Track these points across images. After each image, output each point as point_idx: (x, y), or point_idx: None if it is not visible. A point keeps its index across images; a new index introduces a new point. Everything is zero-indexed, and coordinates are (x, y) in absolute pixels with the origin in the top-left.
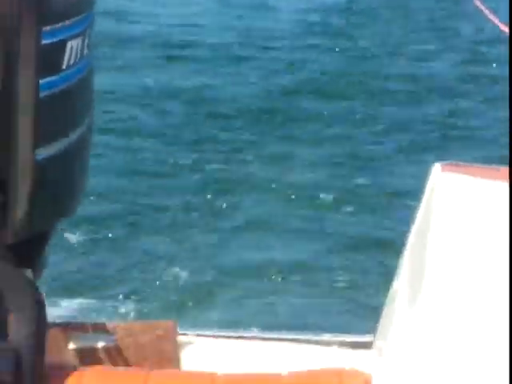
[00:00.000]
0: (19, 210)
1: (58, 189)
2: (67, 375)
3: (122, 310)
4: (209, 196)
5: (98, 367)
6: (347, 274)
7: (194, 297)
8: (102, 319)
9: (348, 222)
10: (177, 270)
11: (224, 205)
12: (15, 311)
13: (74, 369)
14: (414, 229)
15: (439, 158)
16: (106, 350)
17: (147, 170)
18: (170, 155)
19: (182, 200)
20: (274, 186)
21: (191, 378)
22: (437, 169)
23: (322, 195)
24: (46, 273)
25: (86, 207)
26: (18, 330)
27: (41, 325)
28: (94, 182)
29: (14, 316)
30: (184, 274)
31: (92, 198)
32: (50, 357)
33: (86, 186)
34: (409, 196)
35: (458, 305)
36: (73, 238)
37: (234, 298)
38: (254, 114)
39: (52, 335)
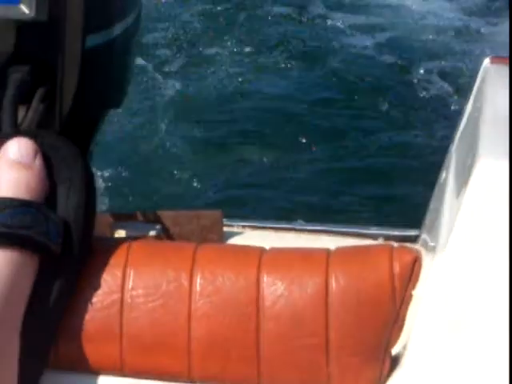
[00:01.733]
0: (66, 97)
1: (105, 79)
2: (115, 247)
3: None
4: None
5: (146, 239)
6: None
7: None
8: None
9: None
10: None
11: None
12: (64, 183)
13: (121, 242)
14: (463, 120)
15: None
16: (153, 239)
17: None
18: None
19: None
20: None
21: (240, 251)
22: (487, 62)
23: None
24: None
25: None
26: (66, 201)
27: (90, 197)
28: None
29: (63, 187)
30: None
31: None
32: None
33: (132, 79)
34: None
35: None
36: None
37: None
38: None
39: (99, 223)
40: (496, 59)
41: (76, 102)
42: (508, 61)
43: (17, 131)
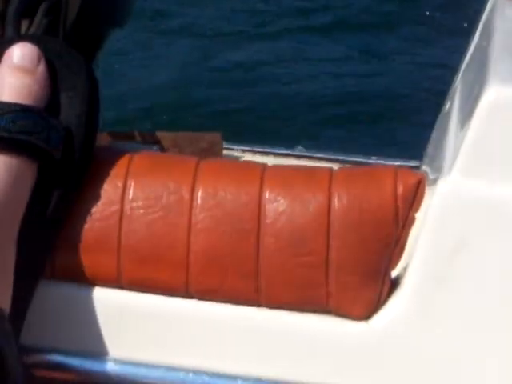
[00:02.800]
0: (70, 12)
1: None
2: (117, 157)
3: None
4: None
5: (148, 151)
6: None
7: None
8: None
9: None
10: None
11: None
12: (68, 90)
13: (123, 152)
14: (469, 50)
15: None
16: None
17: None
18: None
19: None
20: None
21: (242, 166)
22: None
23: None
24: None
25: None
26: (69, 108)
27: (94, 105)
28: None
29: (66, 94)
30: None
31: None
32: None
33: (136, 1)
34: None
35: None
36: None
37: None
38: None
39: (98, 140)
40: None
41: (80, 18)
42: None
43: (21, 37)
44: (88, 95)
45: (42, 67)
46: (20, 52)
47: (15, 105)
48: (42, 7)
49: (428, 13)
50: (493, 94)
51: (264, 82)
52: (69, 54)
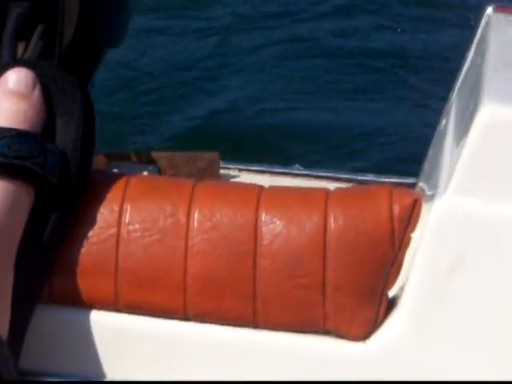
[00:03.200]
0: (66, 33)
1: (105, 16)
2: (113, 180)
3: None
4: None
5: (144, 175)
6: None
7: None
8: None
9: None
10: None
11: None
12: (63, 114)
13: (120, 176)
14: (464, 67)
15: None
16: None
17: None
18: None
19: None
20: None
21: (238, 188)
22: (489, 11)
23: None
24: None
25: None
26: (65, 132)
27: (89, 129)
28: None
29: (62, 119)
30: None
31: None
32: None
33: (131, 20)
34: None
35: None
36: None
37: None
38: None
39: (94, 162)
40: (500, 8)
41: (75, 40)
42: None
43: (17, 62)
44: (83, 119)
45: (37, 92)
46: (15, 77)
47: (11, 130)
48: (38, 30)
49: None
50: (487, 112)
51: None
52: (64, 79)
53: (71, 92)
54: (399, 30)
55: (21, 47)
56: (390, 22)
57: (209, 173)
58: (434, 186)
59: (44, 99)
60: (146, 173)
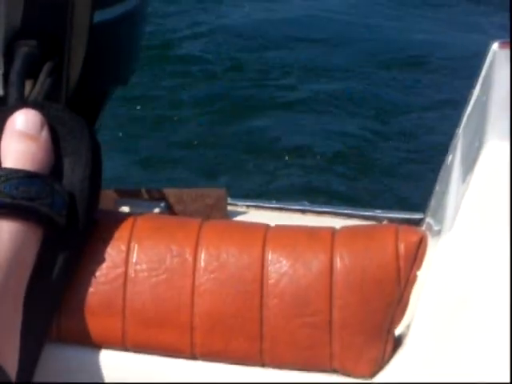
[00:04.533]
0: (73, 71)
1: (112, 54)
2: (120, 221)
3: None
4: None
5: (151, 214)
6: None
7: None
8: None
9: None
10: None
11: None
12: (70, 155)
13: (127, 215)
14: (470, 104)
15: None
16: (157, 214)
17: None
18: None
19: None
20: None
21: (245, 228)
22: (494, 47)
23: None
24: None
25: None
26: (72, 173)
27: (96, 170)
28: None
29: (69, 159)
30: None
31: None
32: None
33: (139, 57)
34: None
35: None
36: None
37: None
38: None
39: (103, 198)
40: (504, 44)
41: (83, 77)
42: None
43: (24, 103)
44: (91, 160)
45: (45, 133)
46: (24, 118)
47: (19, 171)
48: (45, 68)
49: None
50: (492, 150)
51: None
52: (71, 119)
53: (78, 132)
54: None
55: (28, 85)
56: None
57: (216, 209)
58: (441, 222)
59: (51, 140)
60: (157, 209)
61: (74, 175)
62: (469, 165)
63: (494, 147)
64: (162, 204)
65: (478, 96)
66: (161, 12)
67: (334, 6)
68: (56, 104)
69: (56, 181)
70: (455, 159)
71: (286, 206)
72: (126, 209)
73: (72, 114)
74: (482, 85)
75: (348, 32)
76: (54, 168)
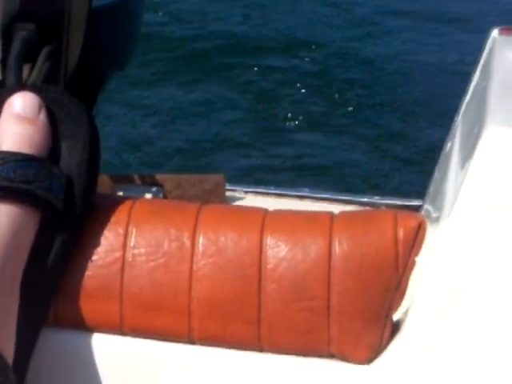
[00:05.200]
0: (72, 55)
1: (110, 40)
2: (117, 204)
3: None
4: None
5: (149, 199)
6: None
7: None
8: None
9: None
10: None
11: None
12: (68, 138)
13: (125, 199)
14: (469, 90)
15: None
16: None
17: None
18: None
19: None
20: None
21: (243, 212)
22: (494, 33)
23: None
24: None
25: None
26: (70, 156)
27: (94, 154)
28: None
29: (67, 143)
30: None
31: None
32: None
33: (138, 42)
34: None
35: None
36: None
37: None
38: None
39: (99, 184)
40: (505, 30)
41: (81, 62)
42: None
43: (22, 86)
44: (89, 143)
45: (42, 116)
46: (21, 101)
47: (17, 154)
48: (44, 52)
49: None
50: (491, 136)
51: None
52: (69, 103)
53: (77, 116)
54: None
55: (26, 70)
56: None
57: (214, 194)
58: (440, 209)
59: (49, 123)
60: (150, 195)
61: (71, 158)
62: (468, 151)
63: (493, 133)
64: (158, 190)
65: (478, 83)
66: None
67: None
68: (55, 87)
69: (54, 164)
70: (454, 146)
71: (284, 192)
72: (121, 194)
73: (71, 97)
74: (482, 71)
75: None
76: (52, 151)
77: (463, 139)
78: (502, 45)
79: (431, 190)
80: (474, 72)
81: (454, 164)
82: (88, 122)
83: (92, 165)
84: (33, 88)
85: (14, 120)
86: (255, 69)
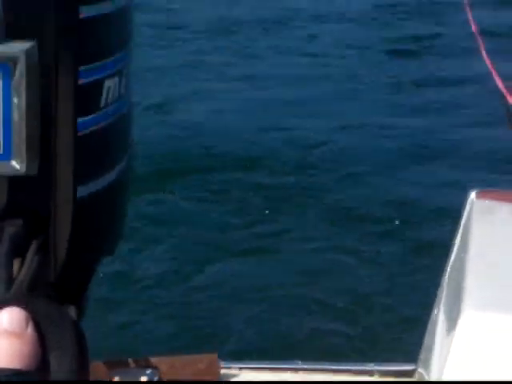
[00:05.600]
0: (60, 248)
1: (98, 227)
2: None
3: None
4: None
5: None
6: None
7: None
8: (145, 355)
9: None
10: None
11: None
12: (56, 349)
13: None
14: (452, 257)
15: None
16: None
17: None
18: None
19: None
20: None
21: None
22: (472, 196)
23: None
24: None
25: None
26: (59, 367)
27: (83, 362)
28: None
29: (55, 353)
30: None
31: None
32: None
33: (125, 225)
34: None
35: (499, 332)
36: None
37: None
38: None
39: (94, 371)
40: (482, 194)
41: (70, 253)
42: (496, 195)
43: (8, 299)
44: (76, 352)
45: (30, 330)
46: (8, 317)
47: (5, 370)
48: (33, 245)
49: None
50: (468, 322)
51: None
52: (55, 312)
53: (63, 325)
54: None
55: (16, 264)
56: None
57: (209, 373)
58: (430, 374)
59: (37, 336)
60: (145, 378)
61: (60, 369)
62: (451, 323)
63: (469, 318)
64: (152, 372)
65: (458, 252)
66: None
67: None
68: (40, 298)
69: (44, 376)
70: (439, 314)
71: (279, 366)
72: (119, 379)
73: (56, 306)
74: (462, 238)
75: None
76: (40, 363)
77: (447, 308)
78: (480, 210)
79: (422, 354)
80: (455, 236)
81: (439, 332)
82: (74, 330)
83: (81, 374)
84: (19, 301)
85: (2, 335)
86: None
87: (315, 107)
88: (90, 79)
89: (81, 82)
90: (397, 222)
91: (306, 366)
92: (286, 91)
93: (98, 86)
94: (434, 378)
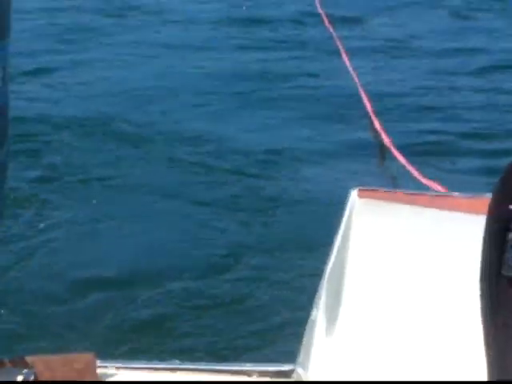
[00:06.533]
0: None
1: None
2: None
3: None
4: None
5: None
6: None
7: None
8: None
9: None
10: None
11: None
12: None
13: None
14: (332, 256)
15: None
16: None
17: None
18: None
19: None
20: None
21: None
22: (353, 194)
23: None
24: None
25: None
26: None
27: None
28: None
29: None
30: None
31: None
32: None
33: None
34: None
35: (377, 331)
36: None
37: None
38: None
39: None
40: (364, 192)
41: None
42: (377, 194)
43: None
44: None
45: None
46: None
47: None
48: None
49: None
50: (347, 320)
51: None
52: None
53: None
54: None
55: None
56: None
57: (86, 373)
58: (309, 374)
59: None
60: (21, 377)
61: None
62: (330, 324)
63: (349, 318)
64: (28, 372)
65: (339, 247)
66: None
67: None
68: None
69: None
70: (319, 315)
71: (157, 366)
72: None
73: None
74: (343, 234)
75: None
76: None
77: (326, 309)
78: (362, 214)
79: (301, 355)
80: (336, 234)
81: (319, 334)
82: None
83: None
84: None
85: None
86: None
87: None
88: None
89: None
90: (272, 219)
91: (183, 366)
92: None
93: None
94: (312, 379)
